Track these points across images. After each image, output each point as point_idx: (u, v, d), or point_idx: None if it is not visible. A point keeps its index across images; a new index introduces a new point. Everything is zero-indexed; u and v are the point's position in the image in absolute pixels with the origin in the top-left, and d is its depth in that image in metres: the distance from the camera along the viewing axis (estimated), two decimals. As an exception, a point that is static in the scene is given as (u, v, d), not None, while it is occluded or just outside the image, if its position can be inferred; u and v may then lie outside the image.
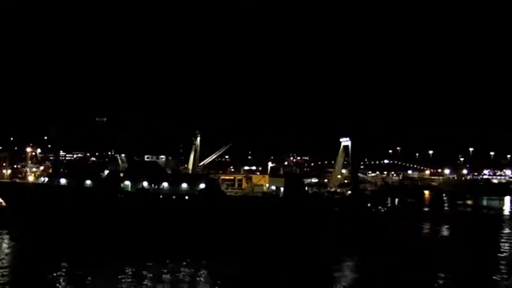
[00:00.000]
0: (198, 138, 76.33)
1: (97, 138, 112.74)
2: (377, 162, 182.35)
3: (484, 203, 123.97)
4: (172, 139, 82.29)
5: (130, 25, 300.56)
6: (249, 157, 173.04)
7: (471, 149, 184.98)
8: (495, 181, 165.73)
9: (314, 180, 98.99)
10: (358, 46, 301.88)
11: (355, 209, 70.54)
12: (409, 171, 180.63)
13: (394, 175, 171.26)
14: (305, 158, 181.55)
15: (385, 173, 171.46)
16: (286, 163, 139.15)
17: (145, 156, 73.71)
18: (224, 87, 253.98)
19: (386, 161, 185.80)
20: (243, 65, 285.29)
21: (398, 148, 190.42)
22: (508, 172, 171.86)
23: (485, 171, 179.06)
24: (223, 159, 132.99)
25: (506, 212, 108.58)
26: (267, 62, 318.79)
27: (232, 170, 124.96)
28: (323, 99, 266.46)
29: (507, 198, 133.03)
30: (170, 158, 75.41)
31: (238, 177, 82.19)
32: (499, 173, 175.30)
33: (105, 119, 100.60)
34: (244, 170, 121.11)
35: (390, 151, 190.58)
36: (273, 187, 74.49)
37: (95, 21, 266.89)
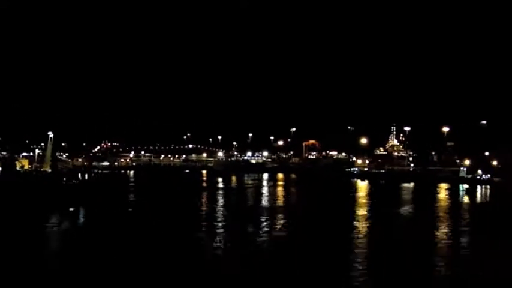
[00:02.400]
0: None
1: None
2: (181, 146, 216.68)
3: (246, 177, 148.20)
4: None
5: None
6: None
7: (250, 135, 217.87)
8: (253, 161, 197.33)
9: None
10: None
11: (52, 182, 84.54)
12: (204, 154, 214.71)
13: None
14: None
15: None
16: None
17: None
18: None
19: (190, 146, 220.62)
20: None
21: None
22: (265, 153, 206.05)
23: (249, 153, 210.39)
24: None
25: (264, 181, 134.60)
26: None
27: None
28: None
29: (265, 175, 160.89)
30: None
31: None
32: (257, 154, 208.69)
33: None
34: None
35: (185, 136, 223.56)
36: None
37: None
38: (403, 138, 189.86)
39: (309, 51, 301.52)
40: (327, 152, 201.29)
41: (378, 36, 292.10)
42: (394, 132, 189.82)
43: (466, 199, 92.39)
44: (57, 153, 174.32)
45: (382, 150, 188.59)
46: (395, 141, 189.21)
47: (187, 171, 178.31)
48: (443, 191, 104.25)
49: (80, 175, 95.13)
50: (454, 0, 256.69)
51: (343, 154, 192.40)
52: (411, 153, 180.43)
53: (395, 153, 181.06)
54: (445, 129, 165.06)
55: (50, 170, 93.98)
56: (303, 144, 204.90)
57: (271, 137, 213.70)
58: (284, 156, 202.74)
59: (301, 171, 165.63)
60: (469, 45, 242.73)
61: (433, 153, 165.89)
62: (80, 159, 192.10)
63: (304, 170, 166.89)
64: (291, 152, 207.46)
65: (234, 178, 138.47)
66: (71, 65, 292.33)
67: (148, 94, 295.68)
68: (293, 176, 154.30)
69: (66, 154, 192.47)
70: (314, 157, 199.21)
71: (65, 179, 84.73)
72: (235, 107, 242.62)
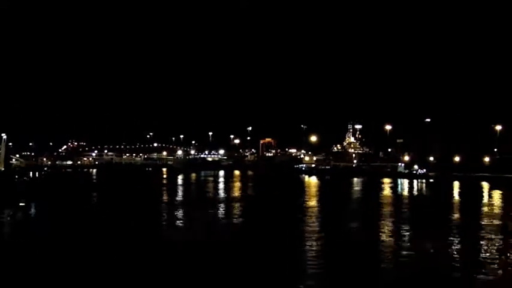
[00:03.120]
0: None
1: None
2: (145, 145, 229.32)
3: (202, 174, 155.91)
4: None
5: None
6: None
7: (210, 133, 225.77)
8: (209, 159, 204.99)
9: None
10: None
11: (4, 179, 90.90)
12: (164, 153, 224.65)
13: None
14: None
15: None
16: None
17: None
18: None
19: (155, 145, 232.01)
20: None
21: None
22: (221, 152, 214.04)
23: (206, 152, 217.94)
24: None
25: (221, 177, 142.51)
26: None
27: None
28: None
29: (221, 172, 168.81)
30: None
31: None
32: (213, 152, 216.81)
33: None
34: None
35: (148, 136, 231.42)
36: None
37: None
38: (360, 136, 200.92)
39: (269, 53, 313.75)
40: (286, 149, 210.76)
41: (331, 38, 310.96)
42: (351, 130, 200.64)
43: (390, 191, 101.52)
44: (23, 153, 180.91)
45: (340, 148, 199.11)
46: (352, 139, 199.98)
47: (150, 169, 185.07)
48: (379, 185, 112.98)
49: (31, 173, 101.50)
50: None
51: (303, 151, 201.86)
52: (367, 150, 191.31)
53: (351, 150, 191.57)
54: (388, 127, 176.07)
55: (3, 169, 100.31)
56: (260, 142, 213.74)
57: (231, 136, 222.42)
58: (240, 154, 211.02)
59: (256, 168, 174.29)
60: (412, 46, 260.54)
61: (390, 150, 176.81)
62: (44, 158, 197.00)
63: (258, 167, 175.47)
64: (252, 150, 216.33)
65: (185, 175, 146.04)
66: (38, 64, 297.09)
67: (115, 95, 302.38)
68: (250, 172, 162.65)
69: (33, 153, 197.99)
70: (272, 154, 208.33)
71: (17, 176, 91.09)
72: (197, 107, 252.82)
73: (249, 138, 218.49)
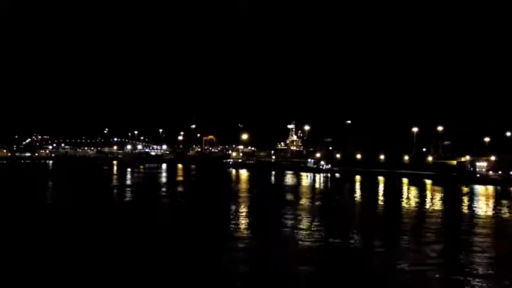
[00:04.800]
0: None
1: None
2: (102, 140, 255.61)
3: (147, 166, 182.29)
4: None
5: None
6: None
7: (161, 130, 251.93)
8: (153, 153, 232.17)
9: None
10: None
11: None
12: (115, 147, 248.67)
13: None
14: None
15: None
16: None
17: None
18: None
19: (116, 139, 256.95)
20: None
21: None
22: (164, 147, 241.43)
23: (154, 146, 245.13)
24: None
25: (163, 169, 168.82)
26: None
27: None
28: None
29: (164, 165, 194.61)
30: None
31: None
32: (155, 147, 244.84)
33: None
34: None
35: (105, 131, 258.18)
36: None
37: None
38: (301, 135, 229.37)
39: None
40: (227, 146, 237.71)
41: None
42: (294, 129, 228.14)
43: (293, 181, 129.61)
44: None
45: (283, 145, 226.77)
46: (295, 137, 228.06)
47: (100, 161, 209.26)
48: (288, 177, 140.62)
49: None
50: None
51: (252, 148, 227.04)
52: (310, 147, 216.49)
53: (293, 148, 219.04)
54: (307, 127, 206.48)
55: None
56: (203, 139, 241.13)
57: (182, 132, 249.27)
58: (180, 149, 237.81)
59: (195, 162, 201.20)
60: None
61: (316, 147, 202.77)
62: (4, 150, 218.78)
63: (197, 161, 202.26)
64: (193, 145, 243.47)
65: (132, 167, 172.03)
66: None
67: (81, 90, 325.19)
68: (193, 166, 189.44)
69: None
70: (212, 150, 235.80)
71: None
72: (151, 106, 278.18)
73: (198, 135, 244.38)
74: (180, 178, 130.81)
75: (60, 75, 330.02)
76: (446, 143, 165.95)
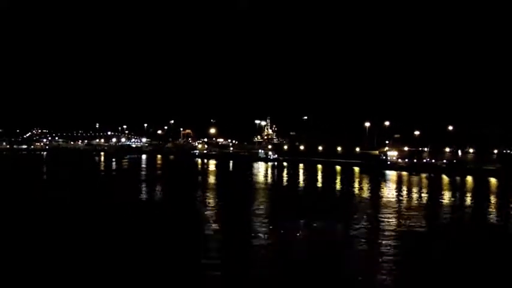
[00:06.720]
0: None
1: None
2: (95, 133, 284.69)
3: (127, 156, 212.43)
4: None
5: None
6: None
7: (146, 125, 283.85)
8: (134, 145, 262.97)
9: None
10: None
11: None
12: (102, 140, 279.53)
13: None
14: None
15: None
16: None
17: None
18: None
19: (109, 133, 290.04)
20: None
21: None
22: (143, 139, 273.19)
23: (134, 139, 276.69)
24: None
25: (142, 159, 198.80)
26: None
27: None
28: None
29: (144, 156, 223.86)
30: None
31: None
32: (137, 140, 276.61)
33: None
34: None
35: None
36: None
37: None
38: (276, 129, 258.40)
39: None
40: (201, 139, 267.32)
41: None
42: (269, 123, 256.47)
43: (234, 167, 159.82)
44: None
45: (260, 138, 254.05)
46: (270, 131, 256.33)
47: (94, 153, 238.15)
48: (235, 164, 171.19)
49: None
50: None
51: (230, 141, 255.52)
52: (283, 140, 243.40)
53: (268, 141, 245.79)
54: (263, 123, 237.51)
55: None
56: (181, 133, 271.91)
57: (165, 127, 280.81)
58: (159, 141, 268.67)
59: (171, 153, 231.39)
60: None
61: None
62: (4, 143, 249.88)
63: (172, 152, 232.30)
64: (170, 139, 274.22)
65: (116, 157, 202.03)
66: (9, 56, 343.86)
67: (72, 89, 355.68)
68: (171, 157, 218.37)
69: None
70: (190, 142, 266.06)
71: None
72: (137, 103, 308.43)
73: (181, 129, 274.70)
74: (149, 164, 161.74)
75: (59, 74, 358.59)
76: (396, 136, 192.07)
